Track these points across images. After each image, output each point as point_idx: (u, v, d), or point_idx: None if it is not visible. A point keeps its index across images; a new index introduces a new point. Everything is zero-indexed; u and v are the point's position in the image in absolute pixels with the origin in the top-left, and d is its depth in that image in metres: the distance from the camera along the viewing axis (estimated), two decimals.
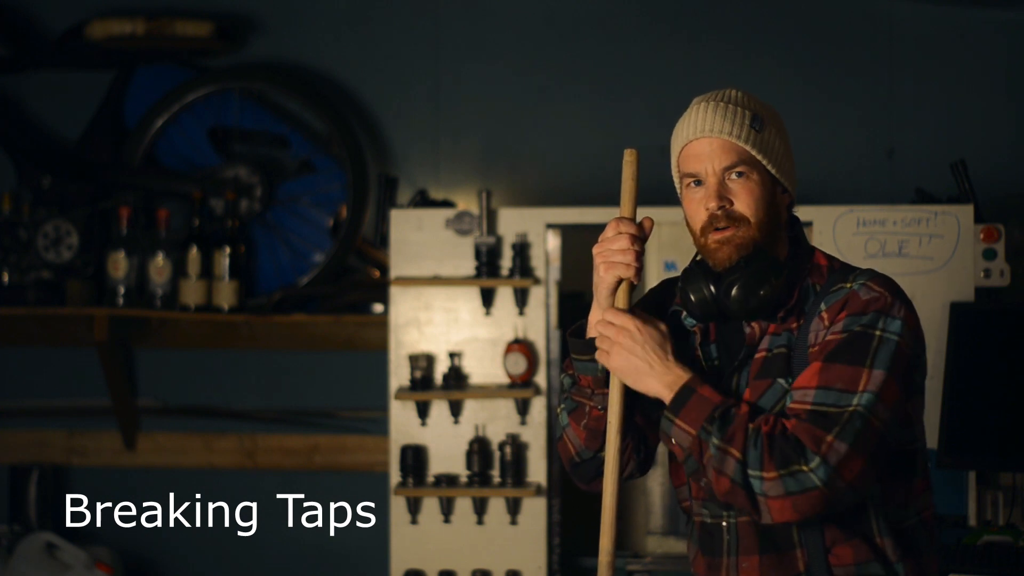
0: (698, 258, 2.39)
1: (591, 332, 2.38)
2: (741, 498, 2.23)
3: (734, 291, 2.30)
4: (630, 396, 2.37)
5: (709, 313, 2.35)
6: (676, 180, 2.41)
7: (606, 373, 2.36)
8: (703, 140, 2.33)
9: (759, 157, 2.33)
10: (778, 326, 2.34)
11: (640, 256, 2.33)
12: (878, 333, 2.26)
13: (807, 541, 2.30)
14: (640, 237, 2.33)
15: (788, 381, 2.31)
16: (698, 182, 2.34)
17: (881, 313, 2.27)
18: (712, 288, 2.33)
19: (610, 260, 2.34)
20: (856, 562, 2.29)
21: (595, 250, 2.36)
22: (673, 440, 2.29)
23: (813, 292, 2.35)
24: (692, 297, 2.35)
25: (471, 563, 4.34)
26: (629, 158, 2.37)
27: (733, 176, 2.33)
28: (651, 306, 2.47)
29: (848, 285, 2.31)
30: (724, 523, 2.37)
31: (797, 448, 2.19)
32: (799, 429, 2.20)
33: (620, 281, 2.34)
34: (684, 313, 2.42)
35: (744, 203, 2.32)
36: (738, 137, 2.32)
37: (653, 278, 4.34)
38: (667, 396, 2.29)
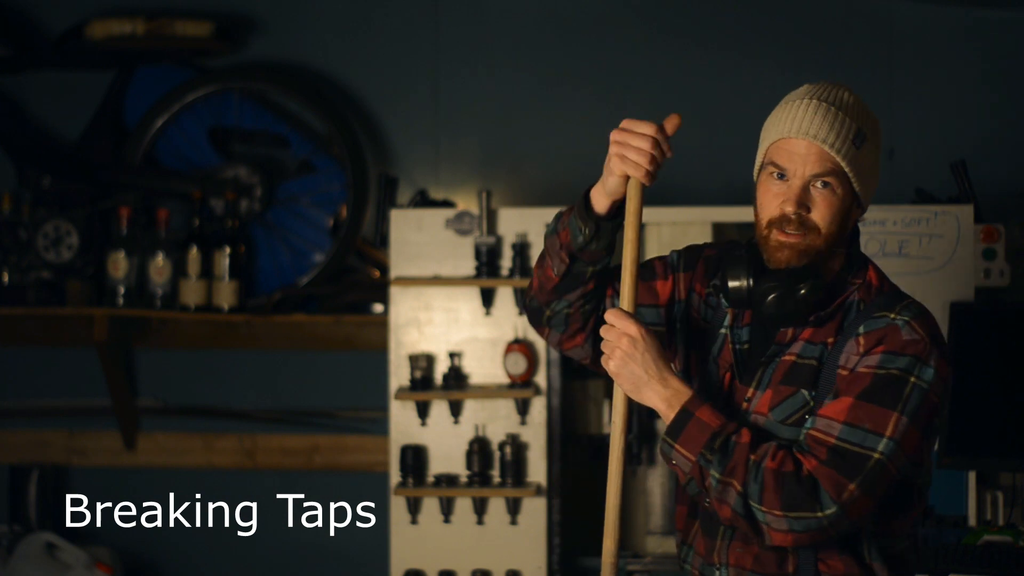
0: (751, 241, 2.36)
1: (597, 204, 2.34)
2: (744, 525, 2.23)
3: (770, 298, 2.27)
4: (599, 280, 2.37)
5: (741, 303, 2.32)
6: (759, 160, 2.35)
7: (581, 246, 2.33)
8: (802, 141, 2.28)
9: (849, 173, 2.28)
10: (814, 332, 2.31)
11: (656, 162, 2.27)
12: (913, 380, 2.23)
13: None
14: (662, 147, 2.28)
15: (812, 394, 2.28)
16: (781, 175, 2.30)
17: (918, 360, 2.24)
18: (751, 281, 2.30)
19: (625, 154, 2.28)
20: (846, 574, 2.29)
21: (614, 135, 2.30)
22: (673, 463, 2.27)
23: (856, 309, 2.31)
24: (729, 283, 2.32)
25: (471, 563, 4.34)
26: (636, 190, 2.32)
27: (818, 184, 2.28)
28: (709, 259, 2.43)
29: (892, 316, 2.27)
30: None
31: (812, 493, 2.18)
32: (821, 473, 2.18)
33: (629, 177, 2.29)
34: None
35: (821, 214, 2.28)
36: (838, 151, 2.27)
37: None
38: (664, 413, 2.27)
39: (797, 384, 2.29)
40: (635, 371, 2.27)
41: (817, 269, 2.29)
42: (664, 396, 2.26)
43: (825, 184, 2.28)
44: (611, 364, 2.29)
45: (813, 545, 2.27)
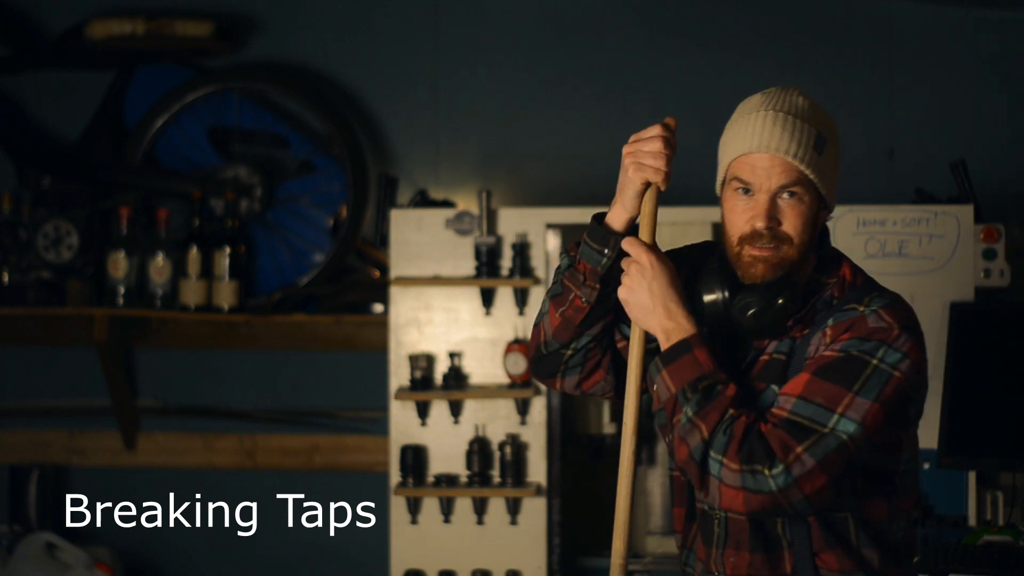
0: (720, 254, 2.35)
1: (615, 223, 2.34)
2: (693, 472, 2.22)
3: (749, 313, 2.27)
4: (615, 313, 2.36)
5: (718, 317, 2.31)
6: (720, 176, 2.34)
7: (606, 268, 2.32)
8: (764, 155, 2.27)
9: (815, 180, 2.28)
10: (786, 334, 2.32)
11: (670, 161, 2.28)
12: (874, 362, 2.22)
13: (795, 543, 2.30)
14: (672, 143, 2.29)
15: (779, 388, 2.28)
16: (747, 190, 2.29)
17: (883, 343, 2.23)
18: (726, 294, 2.29)
19: (640, 161, 2.29)
20: (841, 570, 2.29)
21: (626, 149, 2.31)
22: (654, 387, 2.27)
23: (829, 304, 2.31)
24: (705, 298, 2.31)
25: (471, 563, 4.34)
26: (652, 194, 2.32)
27: (785, 195, 2.27)
28: (684, 264, 2.41)
29: (860, 308, 2.27)
30: (717, 517, 2.36)
31: (766, 451, 2.18)
32: (772, 434, 2.19)
33: (648, 186, 2.30)
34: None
35: (791, 224, 2.27)
36: (802, 160, 2.27)
37: None
38: (662, 342, 2.26)
39: (767, 380, 2.30)
40: (643, 300, 2.27)
41: (791, 278, 2.29)
42: (665, 327, 2.26)
43: (792, 194, 2.27)
44: (621, 291, 2.29)
45: (806, 523, 2.26)
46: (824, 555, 2.29)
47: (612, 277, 2.33)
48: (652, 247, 2.30)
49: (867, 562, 2.30)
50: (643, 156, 2.29)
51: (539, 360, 2.44)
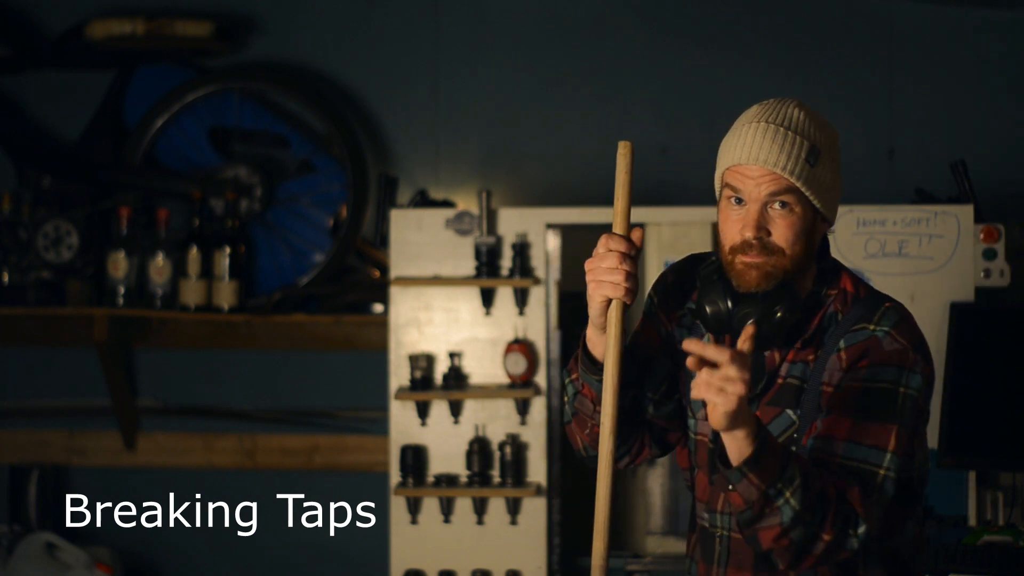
0: (717, 263, 2.34)
1: (590, 347, 2.31)
2: (787, 555, 2.16)
3: (748, 323, 2.22)
4: (634, 397, 2.34)
5: (721, 327, 2.30)
6: (717, 185, 2.34)
7: None
8: (754, 167, 2.26)
9: (806, 192, 2.27)
10: (796, 354, 2.30)
11: (632, 275, 2.23)
12: (902, 391, 2.22)
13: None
14: (630, 255, 2.23)
15: (797, 413, 2.27)
16: (739, 200, 2.28)
17: (903, 369, 2.23)
18: (729, 304, 2.27)
19: (598, 279, 2.25)
20: None
21: (586, 265, 2.27)
22: (738, 492, 2.14)
23: (834, 321, 2.30)
24: (708, 310, 2.29)
25: (471, 563, 4.34)
26: (623, 151, 2.27)
27: (776, 205, 2.26)
28: (672, 285, 2.42)
29: (871, 328, 2.25)
30: (718, 534, 2.36)
31: (852, 512, 2.16)
32: (852, 493, 2.16)
33: (611, 301, 2.25)
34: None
35: (782, 235, 2.26)
36: (791, 173, 2.25)
37: (653, 277, 4.33)
38: (739, 444, 2.11)
39: (782, 404, 2.29)
40: (730, 406, 2.08)
41: (791, 289, 2.27)
42: (745, 431, 2.11)
43: (783, 204, 2.26)
44: (704, 392, 2.08)
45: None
46: (822, 570, 2.27)
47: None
48: (733, 351, 2.09)
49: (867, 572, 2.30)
50: (600, 273, 2.24)
51: (587, 460, 2.43)
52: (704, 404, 2.22)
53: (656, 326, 2.43)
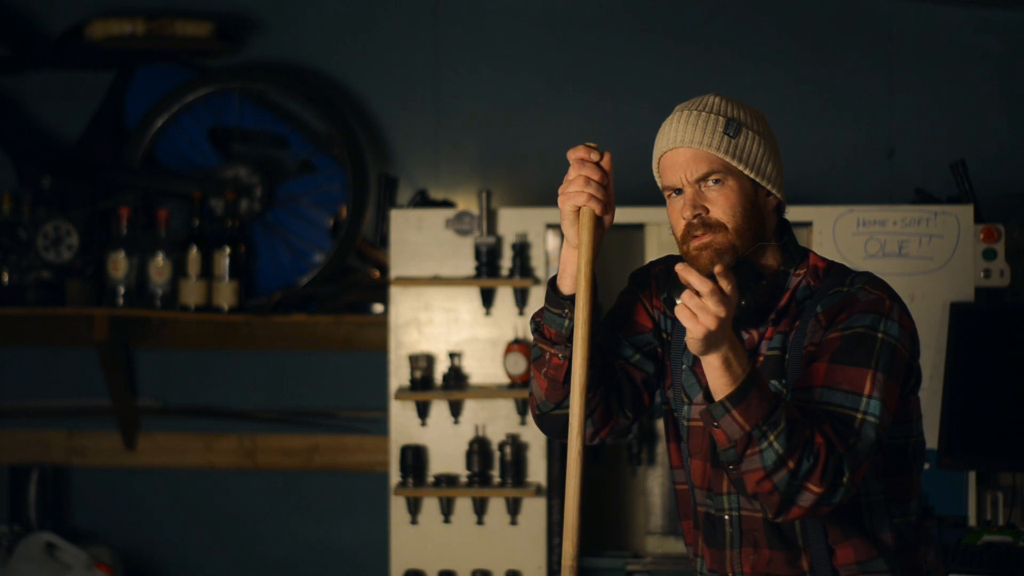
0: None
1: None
2: (772, 501, 2.19)
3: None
4: (607, 339, 2.36)
5: None
6: (662, 188, 2.39)
7: (570, 330, 2.31)
8: (678, 151, 2.32)
9: (734, 163, 2.31)
10: (774, 329, 2.33)
11: (602, 187, 2.25)
12: (880, 336, 2.25)
13: (811, 541, 2.31)
14: (598, 166, 2.26)
15: (782, 383, 2.30)
16: (678, 191, 2.33)
17: (881, 316, 2.26)
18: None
19: (566, 191, 2.28)
20: (858, 560, 2.31)
21: (559, 191, 2.30)
22: (722, 429, 2.18)
23: (810, 294, 2.33)
24: (677, 301, 2.28)
25: (471, 563, 4.34)
26: (584, 220, 2.28)
27: (710, 183, 2.31)
28: (659, 275, 2.45)
29: (845, 289, 2.30)
30: (727, 516, 2.36)
31: (840, 461, 2.17)
32: (831, 439, 2.17)
33: (578, 211, 2.27)
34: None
35: (720, 209, 2.30)
36: (710, 146, 2.30)
37: None
38: (724, 375, 2.17)
39: (768, 377, 2.31)
40: (708, 327, 2.14)
41: (753, 268, 2.31)
42: (728, 358, 2.17)
43: (716, 181, 2.31)
44: (683, 318, 2.15)
45: (820, 521, 2.28)
46: (840, 549, 2.30)
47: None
48: (715, 286, 2.17)
49: (885, 546, 2.31)
50: (567, 186, 2.28)
51: (539, 420, 2.44)
52: (701, 390, 2.32)
53: (645, 308, 2.46)
